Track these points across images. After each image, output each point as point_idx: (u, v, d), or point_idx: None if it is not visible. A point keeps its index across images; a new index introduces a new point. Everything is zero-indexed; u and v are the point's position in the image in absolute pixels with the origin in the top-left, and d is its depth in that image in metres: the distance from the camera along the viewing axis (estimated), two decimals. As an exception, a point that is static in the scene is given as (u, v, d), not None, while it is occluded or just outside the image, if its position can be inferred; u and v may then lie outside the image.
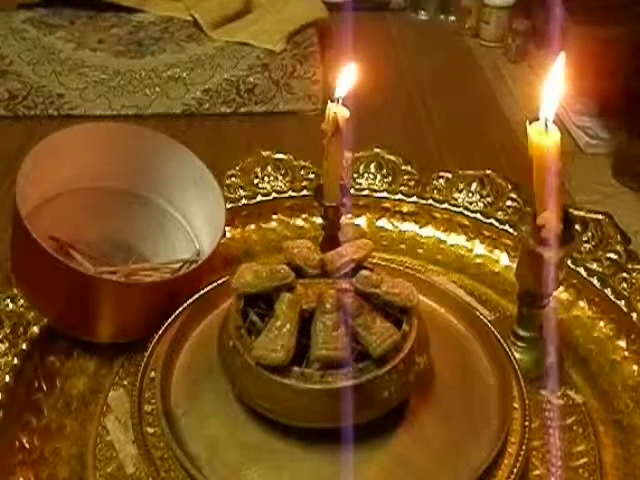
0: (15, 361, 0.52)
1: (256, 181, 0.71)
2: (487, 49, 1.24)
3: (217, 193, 0.60)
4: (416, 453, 0.45)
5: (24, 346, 0.54)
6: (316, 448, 0.45)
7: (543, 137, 0.45)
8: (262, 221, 0.70)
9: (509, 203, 0.67)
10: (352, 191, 0.69)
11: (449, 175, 0.70)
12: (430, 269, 0.65)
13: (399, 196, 0.70)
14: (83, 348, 0.56)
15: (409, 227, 0.70)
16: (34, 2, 1.28)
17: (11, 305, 0.56)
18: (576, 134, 0.95)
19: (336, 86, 0.53)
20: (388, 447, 0.46)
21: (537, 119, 0.45)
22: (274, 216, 0.70)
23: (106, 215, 0.62)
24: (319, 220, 0.63)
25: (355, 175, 0.71)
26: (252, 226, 0.69)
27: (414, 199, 0.69)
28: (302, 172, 0.72)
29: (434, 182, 0.70)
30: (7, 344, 0.53)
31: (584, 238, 0.62)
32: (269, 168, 0.72)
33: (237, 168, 0.72)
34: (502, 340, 0.51)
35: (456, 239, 0.68)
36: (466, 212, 0.68)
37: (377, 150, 0.73)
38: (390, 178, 0.71)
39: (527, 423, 0.46)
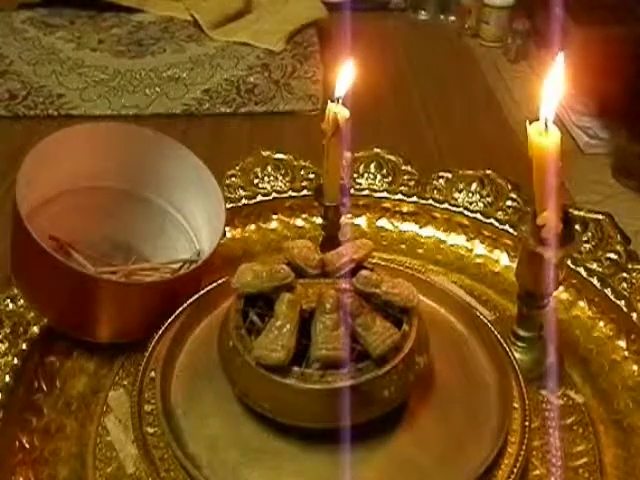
0: (15, 361, 0.52)
1: (256, 181, 0.71)
2: (487, 49, 1.24)
3: (217, 193, 0.60)
4: (416, 453, 0.45)
5: (24, 346, 0.54)
6: (316, 448, 0.45)
7: (543, 137, 0.45)
8: (262, 221, 0.70)
9: (509, 203, 0.67)
10: (352, 191, 0.69)
11: (449, 175, 0.70)
12: (430, 269, 0.65)
13: (399, 196, 0.70)
14: (83, 348, 0.56)
15: (409, 227, 0.70)
16: (34, 2, 1.28)
17: (11, 305, 0.56)
18: (576, 134, 0.95)
19: (336, 85, 0.53)
20: (388, 447, 0.46)
21: (537, 119, 0.45)
22: (274, 216, 0.70)
23: (106, 215, 0.62)
24: (319, 220, 0.63)
25: (355, 175, 0.71)
26: (252, 226, 0.69)
27: (414, 199, 0.69)
28: (302, 172, 0.72)
29: (434, 182, 0.70)
30: (7, 344, 0.53)
31: (584, 238, 0.62)
32: (269, 168, 0.72)
33: (237, 168, 0.72)
34: (502, 340, 0.51)
35: (456, 239, 0.68)
36: (466, 212, 0.68)
37: (377, 150, 0.73)
38: (390, 178, 0.71)
39: (527, 423, 0.46)
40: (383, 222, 0.70)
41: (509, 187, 0.68)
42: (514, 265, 0.54)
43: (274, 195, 0.70)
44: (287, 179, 0.72)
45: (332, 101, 0.53)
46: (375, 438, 0.46)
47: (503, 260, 0.66)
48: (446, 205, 0.69)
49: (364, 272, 0.47)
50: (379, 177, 0.71)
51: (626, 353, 0.56)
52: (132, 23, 1.23)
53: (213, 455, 0.45)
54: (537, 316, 0.54)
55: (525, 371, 0.50)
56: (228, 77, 1.06)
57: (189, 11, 1.24)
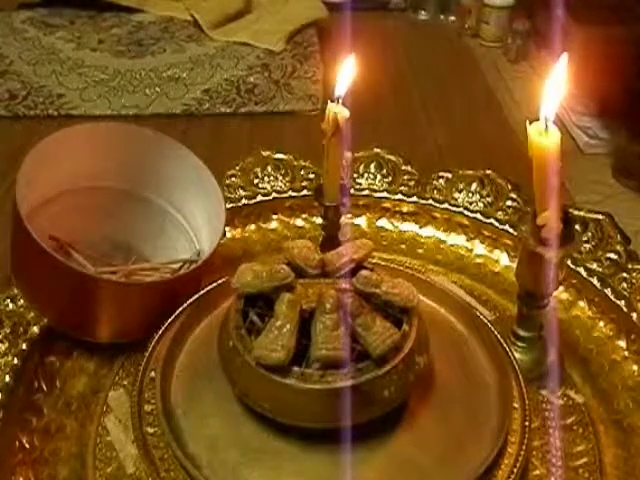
0: (15, 361, 0.52)
1: (256, 181, 0.71)
2: (487, 49, 1.24)
3: (217, 193, 0.60)
4: (416, 453, 0.45)
5: (24, 346, 0.54)
6: (316, 448, 0.45)
7: (543, 137, 0.45)
8: (262, 221, 0.70)
9: (509, 203, 0.67)
10: (352, 191, 0.69)
11: (449, 175, 0.70)
12: (430, 269, 0.65)
13: (399, 196, 0.70)
14: (83, 348, 0.56)
15: (409, 227, 0.70)
16: (34, 2, 1.28)
17: (11, 305, 0.56)
18: (576, 134, 0.95)
19: (335, 83, 0.53)
20: (388, 447, 0.46)
21: (537, 119, 0.45)
22: (274, 216, 0.70)
23: (106, 215, 0.62)
24: (319, 220, 0.63)
25: (355, 175, 0.71)
26: (252, 226, 0.69)
27: (414, 199, 0.69)
28: (302, 172, 0.72)
29: (434, 182, 0.70)
30: (7, 344, 0.53)
31: (584, 238, 0.62)
32: (269, 168, 0.72)
33: (237, 168, 0.72)
34: (502, 340, 0.51)
35: (456, 239, 0.68)
36: (466, 212, 0.68)
37: (377, 150, 0.73)
38: (390, 178, 0.71)
39: (527, 423, 0.46)
40: (383, 222, 0.70)
41: (509, 187, 0.68)
42: (514, 265, 0.54)
43: (274, 195, 0.70)
44: (287, 179, 0.72)
45: (332, 101, 0.53)
46: (375, 438, 0.46)
47: (503, 260, 0.66)
48: (446, 205, 0.69)
49: (364, 272, 0.47)
50: (379, 177, 0.71)
51: (626, 353, 0.56)
52: (132, 23, 1.23)
53: (213, 455, 0.45)
54: (537, 316, 0.54)
55: (525, 371, 0.50)
56: (228, 77, 1.06)
57: (189, 11, 1.24)
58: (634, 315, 0.56)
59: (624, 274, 0.59)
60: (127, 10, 1.26)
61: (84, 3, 1.26)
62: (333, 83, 0.53)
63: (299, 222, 0.70)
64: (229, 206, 0.66)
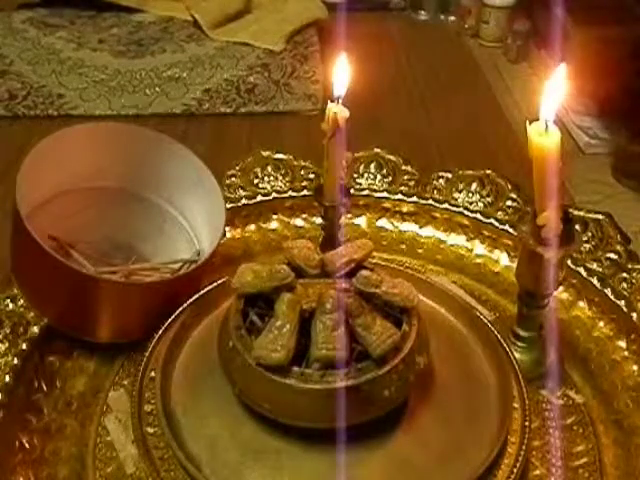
0: (15, 361, 0.52)
1: (256, 181, 0.71)
2: (487, 49, 1.24)
3: (217, 193, 0.60)
4: (416, 453, 0.45)
5: (24, 346, 0.54)
6: (316, 448, 0.45)
7: (543, 137, 0.45)
8: (262, 221, 0.70)
9: (509, 203, 0.67)
10: (352, 191, 0.69)
11: (449, 175, 0.70)
12: (430, 269, 0.66)
13: (399, 196, 0.70)
14: (83, 348, 0.56)
15: (409, 227, 0.70)
16: (34, 2, 1.28)
17: (11, 305, 0.56)
18: (576, 134, 0.95)
19: (333, 82, 0.53)
20: (388, 447, 0.46)
21: (537, 119, 0.45)
22: (274, 216, 0.70)
23: (106, 215, 0.62)
24: (319, 220, 0.63)
25: (355, 175, 0.71)
26: (252, 226, 0.69)
27: (414, 199, 0.69)
28: (302, 172, 0.72)
29: (434, 182, 0.70)
30: (7, 344, 0.53)
31: (584, 238, 0.62)
32: (269, 168, 0.72)
33: (237, 168, 0.72)
34: (502, 340, 0.51)
35: (456, 239, 0.68)
36: (466, 212, 0.68)
37: (377, 150, 0.73)
38: (390, 178, 0.71)
39: (527, 423, 0.46)
40: (383, 222, 0.70)
41: (509, 187, 0.68)
42: (514, 265, 0.54)
43: (274, 195, 0.70)
44: (287, 179, 0.72)
45: (332, 101, 0.52)
46: (375, 438, 0.46)
47: (503, 260, 0.66)
48: (446, 205, 0.69)
49: (364, 272, 0.47)
50: (379, 177, 0.71)
51: (626, 353, 0.56)
52: (132, 23, 1.23)
53: (213, 455, 0.45)
54: (537, 316, 0.54)
55: (525, 371, 0.50)
56: (228, 77, 1.06)
57: (189, 11, 1.24)
58: (634, 315, 0.56)
59: (624, 274, 0.59)
60: (127, 10, 1.26)
61: (84, 3, 1.26)
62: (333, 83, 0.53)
63: (299, 222, 0.70)
64: (229, 206, 0.66)
